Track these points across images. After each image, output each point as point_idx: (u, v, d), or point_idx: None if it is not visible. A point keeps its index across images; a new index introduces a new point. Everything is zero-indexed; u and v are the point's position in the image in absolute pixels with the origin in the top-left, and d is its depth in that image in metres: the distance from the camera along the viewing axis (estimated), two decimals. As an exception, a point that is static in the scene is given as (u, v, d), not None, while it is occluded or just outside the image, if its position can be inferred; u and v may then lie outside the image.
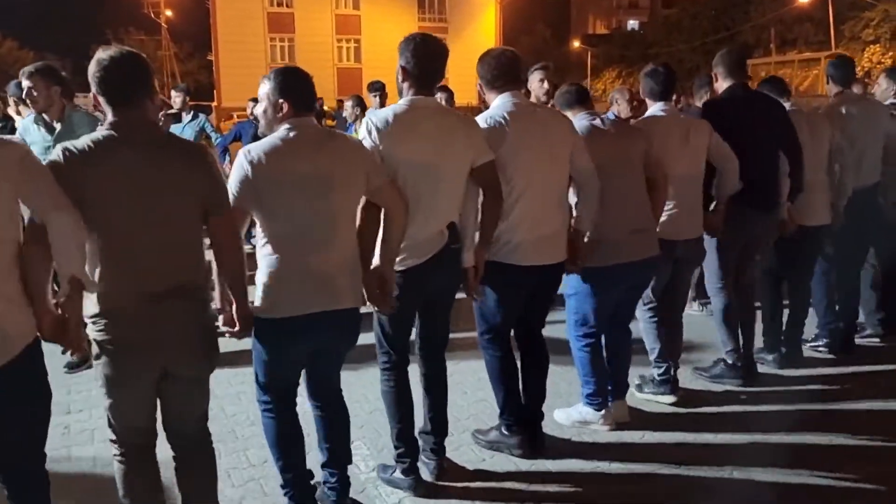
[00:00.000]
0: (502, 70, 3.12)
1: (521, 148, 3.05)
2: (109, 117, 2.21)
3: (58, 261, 2.05)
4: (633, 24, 52.48)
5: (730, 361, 4.11)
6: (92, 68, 2.17)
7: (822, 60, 26.70)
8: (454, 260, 3.00)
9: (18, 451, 2.23)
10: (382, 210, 2.67)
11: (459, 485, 3.09)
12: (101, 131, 2.22)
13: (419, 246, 2.88)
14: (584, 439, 3.51)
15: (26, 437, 2.24)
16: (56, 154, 2.13)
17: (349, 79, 36.01)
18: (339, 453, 2.83)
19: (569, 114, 3.48)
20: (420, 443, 3.12)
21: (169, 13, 37.10)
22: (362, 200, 2.66)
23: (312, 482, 2.83)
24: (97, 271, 2.15)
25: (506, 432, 3.37)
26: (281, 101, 2.49)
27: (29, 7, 54.78)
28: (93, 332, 2.20)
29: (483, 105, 4.03)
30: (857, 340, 4.66)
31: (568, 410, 3.71)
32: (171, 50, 38.80)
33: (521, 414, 3.37)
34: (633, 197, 3.50)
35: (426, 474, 3.08)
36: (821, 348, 4.58)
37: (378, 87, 7.39)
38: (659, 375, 3.87)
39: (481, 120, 3.11)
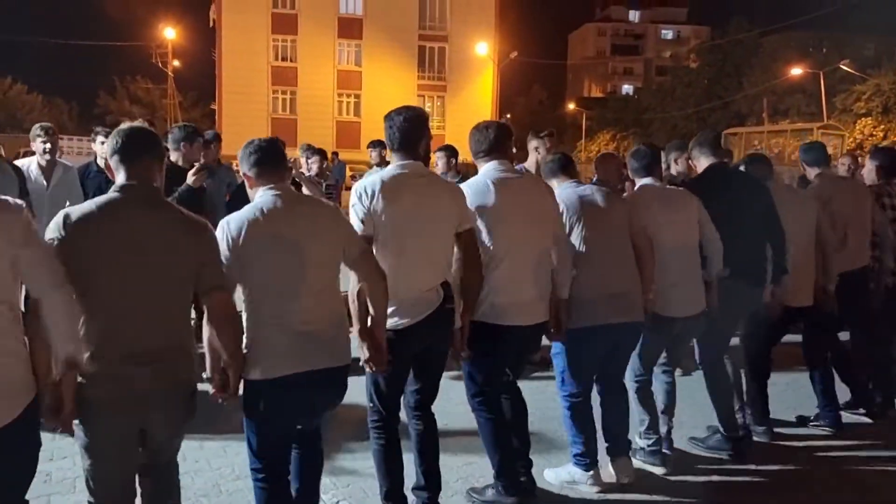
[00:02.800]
0: (487, 142, 3.27)
1: (503, 215, 3.18)
2: (119, 180, 2.33)
3: (53, 342, 2.10)
4: (627, 88, 54.10)
5: (724, 432, 4.07)
6: (110, 139, 2.36)
7: (815, 130, 27.65)
8: (448, 320, 3.08)
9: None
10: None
11: None
12: (109, 193, 2.35)
13: (412, 305, 2.97)
14: (573, 498, 3.56)
15: (12, 488, 2.24)
16: (56, 222, 2.23)
17: (348, 132, 37.29)
18: (308, 491, 2.92)
19: (553, 182, 3.61)
20: (413, 499, 3.16)
21: (176, 63, 38.13)
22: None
23: None
24: (83, 330, 2.21)
25: (502, 492, 3.38)
26: (249, 173, 2.68)
27: (38, 52, 56.54)
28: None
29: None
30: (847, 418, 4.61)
31: (557, 470, 3.73)
32: (177, 99, 39.63)
33: (518, 476, 3.40)
34: (613, 261, 3.55)
35: None
36: (823, 426, 4.46)
37: (377, 145, 7.62)
38: (648, 446, 3.87)
39: (465, 187, 3.26)
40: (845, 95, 35.23)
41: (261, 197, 2.64)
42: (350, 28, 40.87)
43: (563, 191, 3.61)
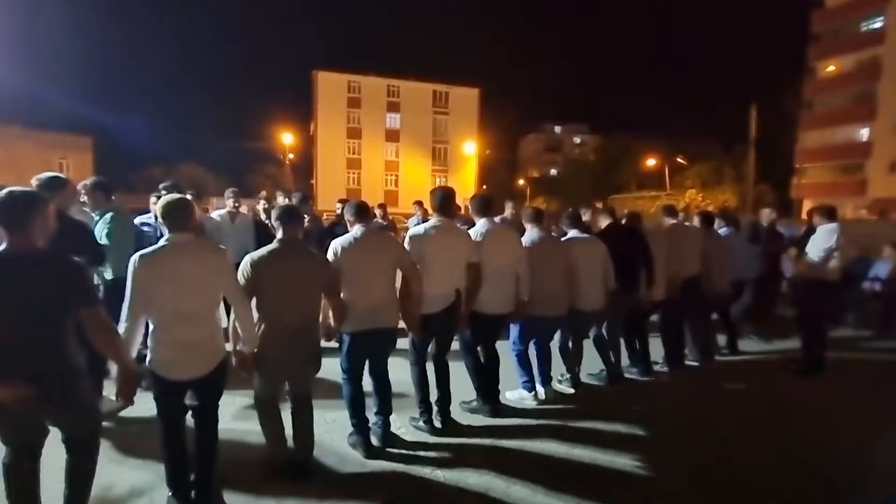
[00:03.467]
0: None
1: (489, 250, 3.17)
2: (279, 235, 2.48)
3: (240, 330, 2.32)
4: (553, 172, 53.44)
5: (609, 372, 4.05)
6: (275, 213, 2.55)
7: (662, 196, 29.46)
8: (456, 309, 3.08)
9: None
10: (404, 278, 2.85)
11: (460, 429, 3.16)
12: (274, 244, 2.46)
13: (435, 301, 2.97)
14: (521, 409, 3.53)
15: (213, 403, 2.32)
16: (246, 262, 2.38)
17: (392, 196, 38.35)
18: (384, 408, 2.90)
19: (529, 225, 3.60)
20: (434, 409, 3.15)
21: (291, 155, 39.01)
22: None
23: (370, 424, 2.87)
24: (259, 318, 2.37)
25: (481, 403, 3.38)
26: (350, 218, 2.82)
27: (217, 148, 58.28)
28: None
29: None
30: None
31: (513, 392, 3.64)
32: (291, 176, 41.77)
33: (490, 392, 3.39)
34: (552, 276, 3.50)
35: (437, 424, 3.13)
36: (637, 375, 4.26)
37: (419, 203, 7.29)
38: (563, 377, 3.91)
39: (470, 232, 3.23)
40: (680, 177, 35.53)
41: (355, 230, 2.75)
42: (392, 135, 42.55)
43: (532, 232, 3.58)
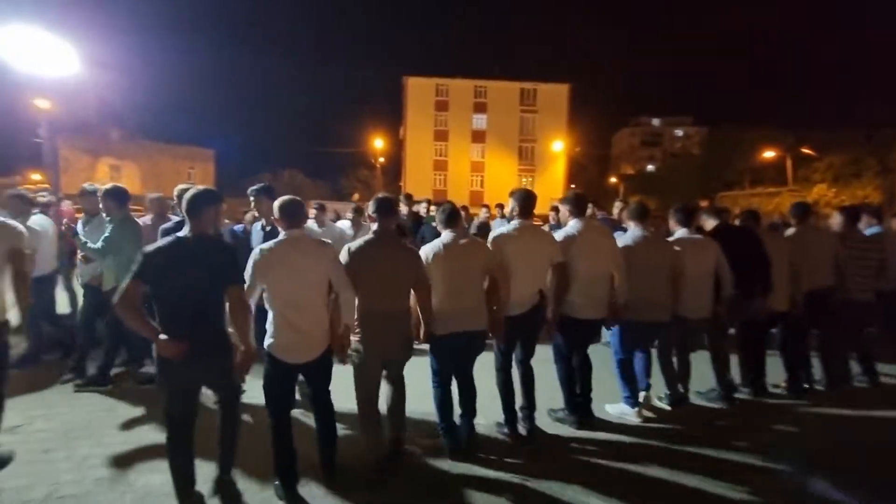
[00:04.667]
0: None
1: (580, 249, 3.06)
2: (374, 227, 2.62)
3: (343, 316, 2.47)
4: (650, 167, 50.81)
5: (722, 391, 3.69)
6: (373, 205, 2.63)
7: (783, 192, 27.17)
8: (541, 312, 2.99)
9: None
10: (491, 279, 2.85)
11: (546, 439, 3.06)
12: (369, 234, 2.61)
13: (518, 303, 2.93)
14: (621, 424, 3.31)
15: (324, 384, 2.54)
16: (345, 250, 2.51)
17: (477, 197, 37.56)
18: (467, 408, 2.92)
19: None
20: (520, 414, 3.09)
21: (381, 159, 41.10)
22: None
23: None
24: (359, 305, 2.48)
25: (569, 413, 3.23)
26: (441, 224, 2.84)
27: (308, 154, 63.44)
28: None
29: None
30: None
31: (613, 405, 3.46)
32: (381, 179, 43.92)
33: (580, 402, 3.23)
34: (653, 281, 3.26)
35: (522, 431, 3.06)
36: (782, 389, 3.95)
37: (500, 206, 7.57)
38: (667, 395, 3.61)
39: (560, 233, 3.16)
40: (805, 170, 31.05)
41: (444, 235, 2.80)
42: (479, 136, 42.15)
43: (634, 231, 3.39)
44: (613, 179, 48.61)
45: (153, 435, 3.17)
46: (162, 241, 2.22)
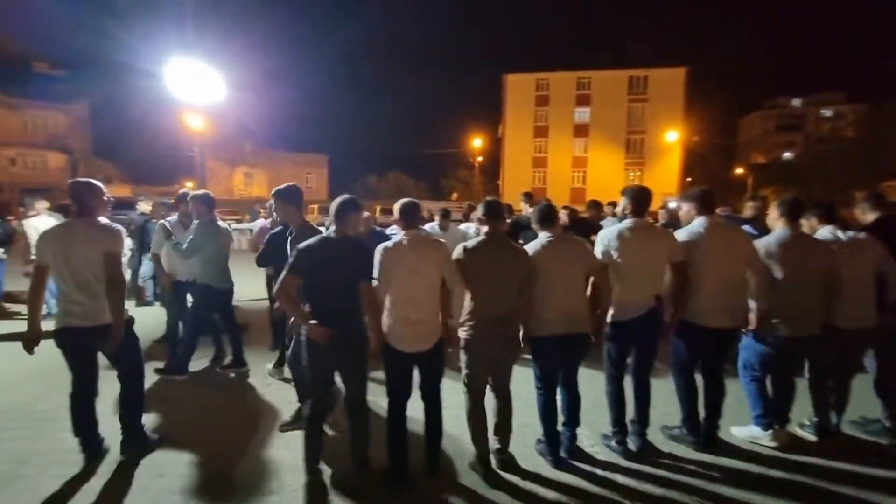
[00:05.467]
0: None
1: (708, 250, 2.81)
2: (484, 230, 2.68)
3: (453, 310, 2.59)
4: (788, 155, 45.22)
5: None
6: (483, 207, 2.69)
7: None
8: (658, 318, 2.83)
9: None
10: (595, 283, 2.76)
11: (659, 458, 2.86)
12: (479, 236, 2.68)
13: (630, 307, 2.78)
14: (751, 450, 2.99)
15: (437, 379, 2.66)
16: (458, 249, 2.58)
17: (578, 194, 36.81)
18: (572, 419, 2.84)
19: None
20: (630, 428, 2.93)
21: (480, 158, 41.40)
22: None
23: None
24: (469, 302, 2.57)
25: (686, 432, 3.01)
26: (536, 226, 2.84)
27: (411, 157, 66.67)
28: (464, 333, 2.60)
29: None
30: None
31: (742, 428, 3.17)
32: (479, 178, 44.57)
33: (702, 421, 2.97)
34: (805, 287, 2.90)
35: (632, 447, 2.91)
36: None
37: (612, 203, 6.71)
38: (810, 421, 3.19)
39: (681, 231, 2.95)
40: None
41: (542, 237, 2.79)
42: (581, 130, 40.87)
43: (782, 230, 2.98)
44: (740, 171, 44.27)
45: (278, 421, 3.48)
46: (312, 240, 2.52)
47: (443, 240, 2.68)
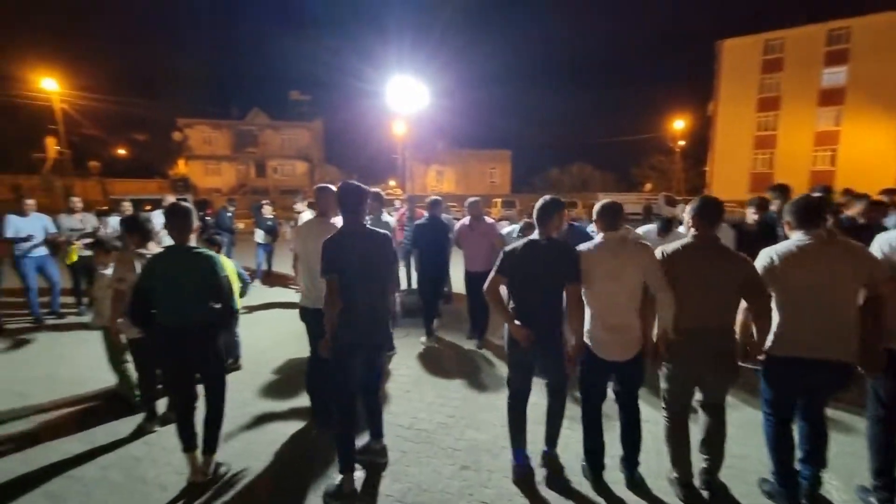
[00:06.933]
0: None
1: None
2: (693, 231, 2.42)
3: (659, 318, 2.39)
4: None
5: None
6: (694, 207, 2.42)
7: None
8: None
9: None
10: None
11: None
12: (689, 238, 2.43)
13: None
14: None
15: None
16: (658, 252, 2.41)
17: (824, 178, 29.30)
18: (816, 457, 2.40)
19: None
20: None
21: (682, 142, 38.36)
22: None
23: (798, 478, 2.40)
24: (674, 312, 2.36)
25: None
26: (790, 220, 2.37)
27: (598, 146, 64.37)
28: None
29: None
30: None
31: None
32: (681, 164, 39.96)
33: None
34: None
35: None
36: None
37: (888, 191, 5.05)
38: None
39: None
40: None
41: (797, 237, 2.35)
42: (831, 97, 32.87)
43: None
44: None
45: (483, 398, 3.77)
46: (518, 242, 2.61)
47: (646, 242, 2.56)
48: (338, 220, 2.96)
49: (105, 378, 3.82)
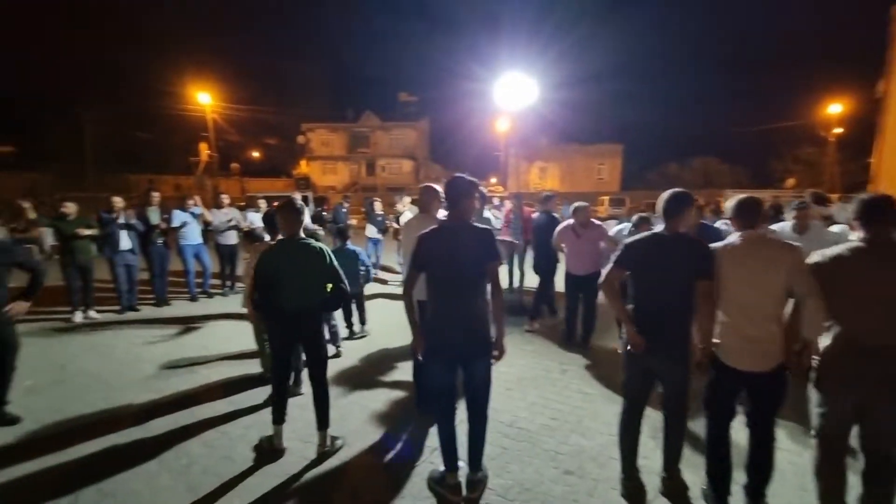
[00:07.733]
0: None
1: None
2: (862, 234, 2.10)
3: (805, 328, 2.15)
4: None
5: None
6: (863, 204, 2.07)
7: None
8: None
9: None
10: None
11: None
12: (857, 241, 2.11)
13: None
14: None
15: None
16: (814, 257, 2.17)
17: None
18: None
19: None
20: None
21: (838, 130, 33.01)
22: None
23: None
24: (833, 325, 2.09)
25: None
26: None
27: (731, 138, 58.79)
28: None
29: None
30: None
31: None
32: (835, 156, 34.47)
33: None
34: None
35: None
36: None
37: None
38: None
39: None
40: None
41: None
42: None
43: None
44: None
45: (588, 405, 3.66)
46: (641, 235, 2.51)
47: (797, 243, 2.28)
48: (441, 216, 3.00)
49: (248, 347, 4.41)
